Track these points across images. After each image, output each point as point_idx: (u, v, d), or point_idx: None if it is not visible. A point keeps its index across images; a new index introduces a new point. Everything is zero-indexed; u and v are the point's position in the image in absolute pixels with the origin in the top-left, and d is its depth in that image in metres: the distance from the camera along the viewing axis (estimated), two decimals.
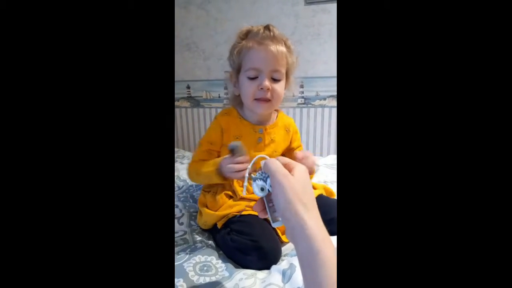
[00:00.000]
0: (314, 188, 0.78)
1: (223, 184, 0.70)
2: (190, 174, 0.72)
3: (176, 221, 0.74)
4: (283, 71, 0.65)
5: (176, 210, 0.79)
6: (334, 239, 0.60)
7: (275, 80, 0.64)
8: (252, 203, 0.65)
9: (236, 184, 0.70)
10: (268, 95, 0.63)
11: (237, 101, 0.71)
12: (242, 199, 0.68)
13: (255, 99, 0.64)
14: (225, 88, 1.47)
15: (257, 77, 0.63)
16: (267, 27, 0.64)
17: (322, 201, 0.69)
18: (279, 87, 0.65)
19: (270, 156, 0.43)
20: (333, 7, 1.26)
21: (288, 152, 0.76)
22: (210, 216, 0.67)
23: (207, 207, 0.70)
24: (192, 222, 0.74)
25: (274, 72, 0.63)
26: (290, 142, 0.76)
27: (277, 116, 0.74)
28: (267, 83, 0.62)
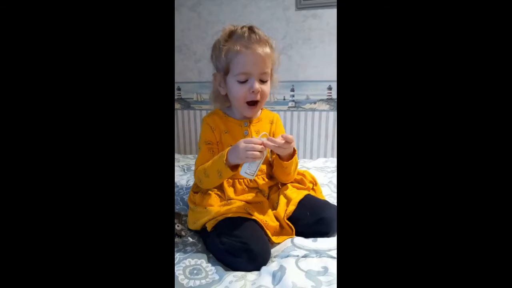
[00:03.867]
0: (300, 179, 0.79)
1: None
2: (198, 179, 0.71)
3: None
4: (270, 71, 0.68)
5: None
6: (324, 240, 0.61)
7: (262, 82, 0.67)
8: (243, 204, 0.65)
9: (225, 184, 0.70)
10: (258, 97, 0.67)
11: (221, 100, 0.74)
12: (231, 199, 0.68)
13: (246, 102, 0.68)
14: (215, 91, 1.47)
15: (247, 80, 0.65)
16: (251, 29, 0.66)
17: (310, 202, 0.70)
18: (266, 87, 0.69)
19: None
20: (323, 13, 1.28)
21: None
22: (199, 213, 0.67)
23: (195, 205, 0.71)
24: (182, 226, 0.74)
25: (262, 74, 0.66)
26: (274, 133, 0.78)
27: (261, 112, 0.79)
28: (257, 86, 0.65)
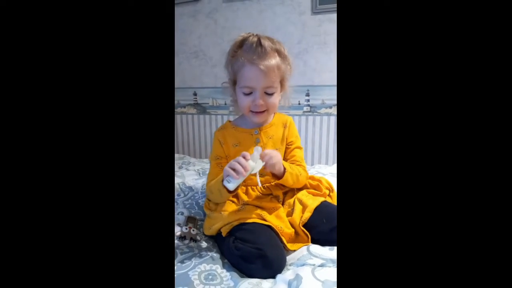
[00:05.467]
0: (316, 185, 0.77)
1: None
2: (207, 194, 0.73)
3: (181, 228, 0.74)
4: (276, 84, 0.67)
5: (182, 218, 0.79)
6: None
7: (268, 94, 0.67)
8: (258, 210, 0.65)
9: (239, 190, 0.71)
10: (262, 109, 0.67)
11: (238, 106, 0.75)
12: (245, 204, 0.68)
13: (251, 111, 0.69)
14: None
15: (251, 92, 0.66)
16: (259, 42, 0.65)
17: (326, 209, 0.68)
18: (273, 99, 0.68)
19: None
20: None
21: (286, 146, 0.78)
22: (215, 219, 0.68)
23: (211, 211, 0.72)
24: (198, 230, 0.74)
25: (267, 88, 0.66)
26: (287, 138, 0.77)
27: (273, 117, 0.78)
28: (260, 101, 0.66)
